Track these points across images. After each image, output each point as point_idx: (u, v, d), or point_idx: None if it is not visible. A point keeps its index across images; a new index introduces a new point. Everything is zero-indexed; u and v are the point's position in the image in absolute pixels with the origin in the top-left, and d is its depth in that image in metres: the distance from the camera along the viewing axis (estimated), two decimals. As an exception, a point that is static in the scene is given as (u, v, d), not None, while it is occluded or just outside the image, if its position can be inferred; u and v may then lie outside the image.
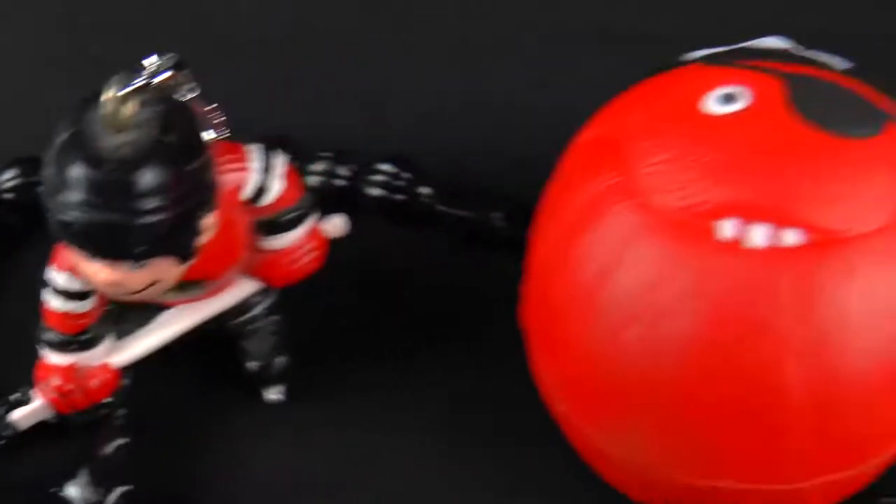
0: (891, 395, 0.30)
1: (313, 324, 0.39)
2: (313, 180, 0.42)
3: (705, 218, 0.30)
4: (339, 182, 0.42)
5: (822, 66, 0.33)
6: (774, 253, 0.29)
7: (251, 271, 0.36)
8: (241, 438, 0.37)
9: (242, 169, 0.34)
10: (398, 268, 0.41)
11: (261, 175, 0.34)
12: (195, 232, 0.32)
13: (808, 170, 0.30)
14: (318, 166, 0.42)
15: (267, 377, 0.38)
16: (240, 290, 0.36)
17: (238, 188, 0.34)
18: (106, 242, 0.31)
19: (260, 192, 0.34)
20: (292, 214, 0.35)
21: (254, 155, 0.34)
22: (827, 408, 0.30)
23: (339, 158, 0.42)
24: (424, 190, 0.42)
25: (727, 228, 0.30)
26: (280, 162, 0.35)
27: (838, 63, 0.34)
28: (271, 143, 0.36)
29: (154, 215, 0.31)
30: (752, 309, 0.29)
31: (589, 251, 0.31)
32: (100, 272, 0.32)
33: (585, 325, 0.32)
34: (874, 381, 0.30)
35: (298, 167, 0.40)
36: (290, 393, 0.38)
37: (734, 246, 0.30)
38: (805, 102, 0.31)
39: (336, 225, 0.38)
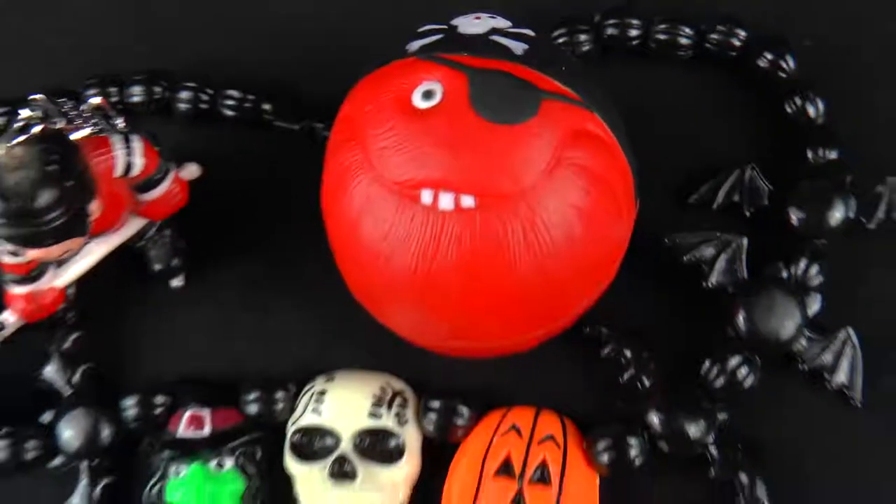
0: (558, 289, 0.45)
1: (199, 228, 0.54)
2: (183, 106, 0.55)
3: (413, 189, 0.44)
4: (202, 105, 0.56)
5: (504, 52, 0.45)
6: (457, 211, 0.43)
7: (138, 213, 0.51)
8: (157, 315, 0.54)
9: (111, 157, 0.48)
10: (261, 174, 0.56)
11: (125, 158, 0.48)
12: (86, 217, 0.47)
13: (479, 152, 0.44)
14: (185, 94, 0.55)
15: (170, 274, 0.54)
16: (133, 225, 0.52)
17: (111, 170, 0.48)
18: (25, 242, 0.46)
19: (128, 168, 0.49)
20: (156, 176, 0.50)
21: (117, 144, 0.48)
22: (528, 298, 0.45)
23: (201, 87, 0.55)
24: (266, 107, 0.55)
25: (426, 197, 0.44)
26: (138, 144, 0.48)
27: (517, 48, 0.45)
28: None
29: (53, 221, 0.45)
30: (443, 250, 0.44)
31: (345, 205, 0.46)
32: (29, 253, 0.47)
33: (352, 255, 0.47)
34: (537, 289, 0.45)
35: (169, 97, 0.54)
36: (187, 280, 0.54)
37: (434, 208, 0.44)
38: (479, 99, 0.44)
39: (191, 170, 0.52)
